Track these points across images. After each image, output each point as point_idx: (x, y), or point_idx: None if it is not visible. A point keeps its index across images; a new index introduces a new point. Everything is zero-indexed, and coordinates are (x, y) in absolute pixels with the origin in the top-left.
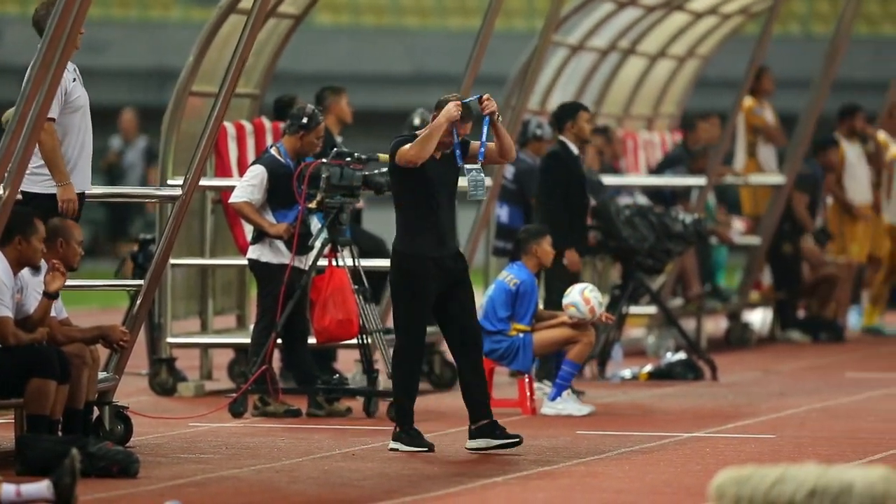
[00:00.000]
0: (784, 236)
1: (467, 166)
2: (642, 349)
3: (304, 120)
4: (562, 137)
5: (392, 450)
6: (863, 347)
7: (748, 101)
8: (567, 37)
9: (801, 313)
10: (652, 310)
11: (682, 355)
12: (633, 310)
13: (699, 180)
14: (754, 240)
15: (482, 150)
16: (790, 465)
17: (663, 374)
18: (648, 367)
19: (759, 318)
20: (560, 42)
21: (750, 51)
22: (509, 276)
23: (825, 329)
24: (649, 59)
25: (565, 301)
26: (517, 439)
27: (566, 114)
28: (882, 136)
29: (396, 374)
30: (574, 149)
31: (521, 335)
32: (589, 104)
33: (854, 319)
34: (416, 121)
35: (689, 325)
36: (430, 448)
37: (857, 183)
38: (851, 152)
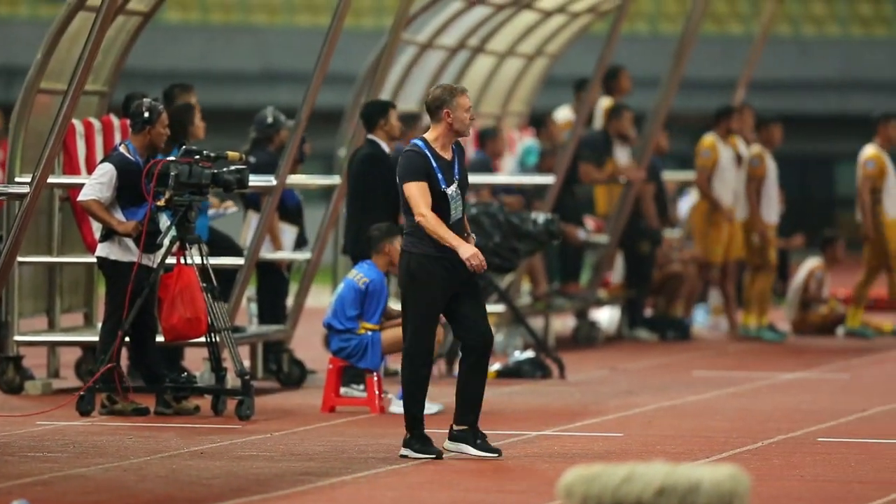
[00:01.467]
0: (642, 235)
1: (449, 189)
2: None
3: (146, 115)
4: (372, 136)
5: (402, 456)
6: (710, 346)
7: (606, 101)
8: (416, 35)
9: (648, 312)
10: (500, 308)
11: (530, 354)
12: None
13: (548, 179)
14: (602, 238)
15: (457, 172)
16: (638, 463)
17: (511, 373)
18: (497, 366)
19: (606, 316)
20: (409, 40)
21: (598, 50)
22: (359, 274)
23: (672, 327)
24: (498, 57)
25: None
26: (497, 453)
27: (378, 112)
28: (711, 137)
29: (404, 379)
30: (386, 147)
31: (370, 333)
32: None
33: (701, 318)
34: (269, 119)
35: (537, 323)
36: (439, 455)
37: (725, 186)
38: (725, 154)
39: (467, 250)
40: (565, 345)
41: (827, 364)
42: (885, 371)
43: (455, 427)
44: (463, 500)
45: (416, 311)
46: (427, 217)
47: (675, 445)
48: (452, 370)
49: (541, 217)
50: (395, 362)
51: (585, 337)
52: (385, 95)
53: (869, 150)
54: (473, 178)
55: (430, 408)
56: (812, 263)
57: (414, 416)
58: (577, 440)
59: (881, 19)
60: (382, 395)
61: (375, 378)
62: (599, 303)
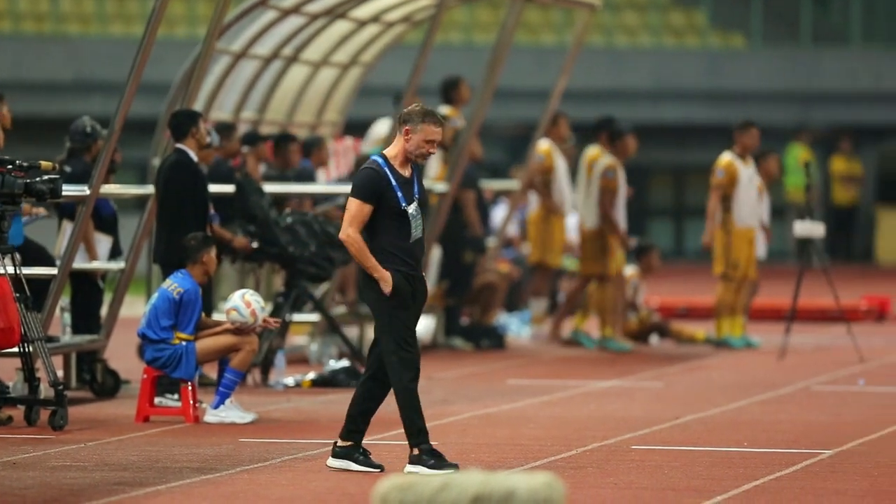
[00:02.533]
0: (466, 244)
1: (410, 208)
2: (305, 357)
3: None
4: (181, 146)
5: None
6: (524, 354)
7: (446, 110)
8: (230, 44)
9: (464, 320)
10: (315, 317)
11: (345, 362)
12: (297, 317)
13: None
14: None
15: (417, 190)
16: (453, 471)
17: (326, 382)
18: (312, 375)
19: (421, 324)
20: (223, 49)
21: (413, 59)
22: (173, 284)
23: (487, 336)
24: (313, 66)
25: (227, 306)
26: (379, 468)
27: (188, 121)
28: (545, 144)
29: (401, 396)
30: (194, 156)
31: (184, 343)
32: (252, 111)
33: (515, 326)
34: (87, 129)
35: (351, 332)
36: (456, 467)
37: (561, 192)
38: (560, 160)
39: (385, 285)
40: None
41: (641, 372)
42: (697, 379)
43: (339, 443)
44: None
45: (395, 325)
46: (351, 237)
47: (490, 454)
48: (267, 380)
49: None
50: (210, 371)
51: None
52: (199, 105)
53: (723, 159)
54: (294, 188)
55: (244, 417)
56: (627, 272)
57: (420, 429)
58: (393, 449)
59: (693, 29)
60: (197, 405)
61: (190, 388)
62: None
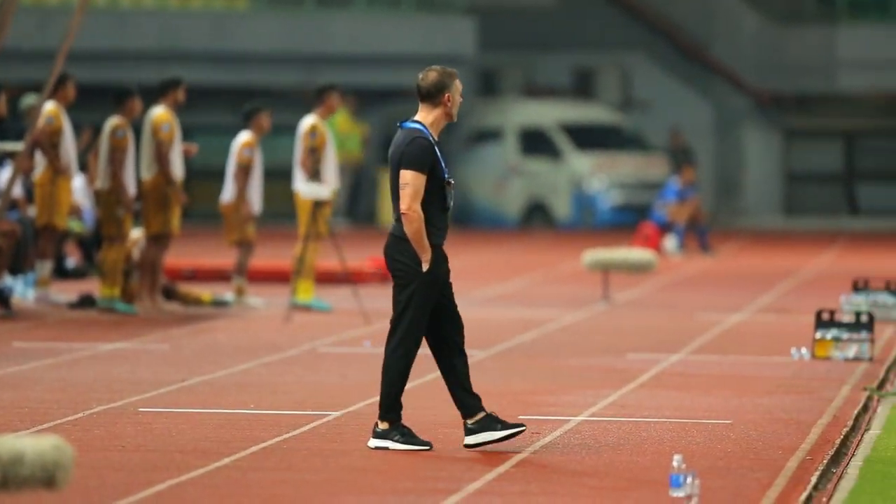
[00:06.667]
0: None
1: (451, 179)
2: None
3: None
4: None
5: (378, 448)
6: (30, 317)
7: None
8: None
9: None
10: None
11: None
12: None
13: None
14: None
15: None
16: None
17: None
18: None
19: None
20: None
21: None
22: None
23: None
24: None
25: None
26: (521, 428)
27: None
28: (51, 106)
29: (398, 365)
30: None
31: None
32: None
33: (20, 288)
34: None
35: None
36: (430, 446)
37: (68, 153)
38: (66, 122)
39: (427, 264)
40: None
41: (147, 334)
42: (204, 341)
43: (471, 422)
44: None
45: (425, 302)
46: (417, 213)
47: None
48: None
49: None
50: None
51: None
52: None
53: (311, 121)
54: None
55: None
56: (134, 234)
57: (395, 403)
58: None
59: None
60: None
61: None
62: None
